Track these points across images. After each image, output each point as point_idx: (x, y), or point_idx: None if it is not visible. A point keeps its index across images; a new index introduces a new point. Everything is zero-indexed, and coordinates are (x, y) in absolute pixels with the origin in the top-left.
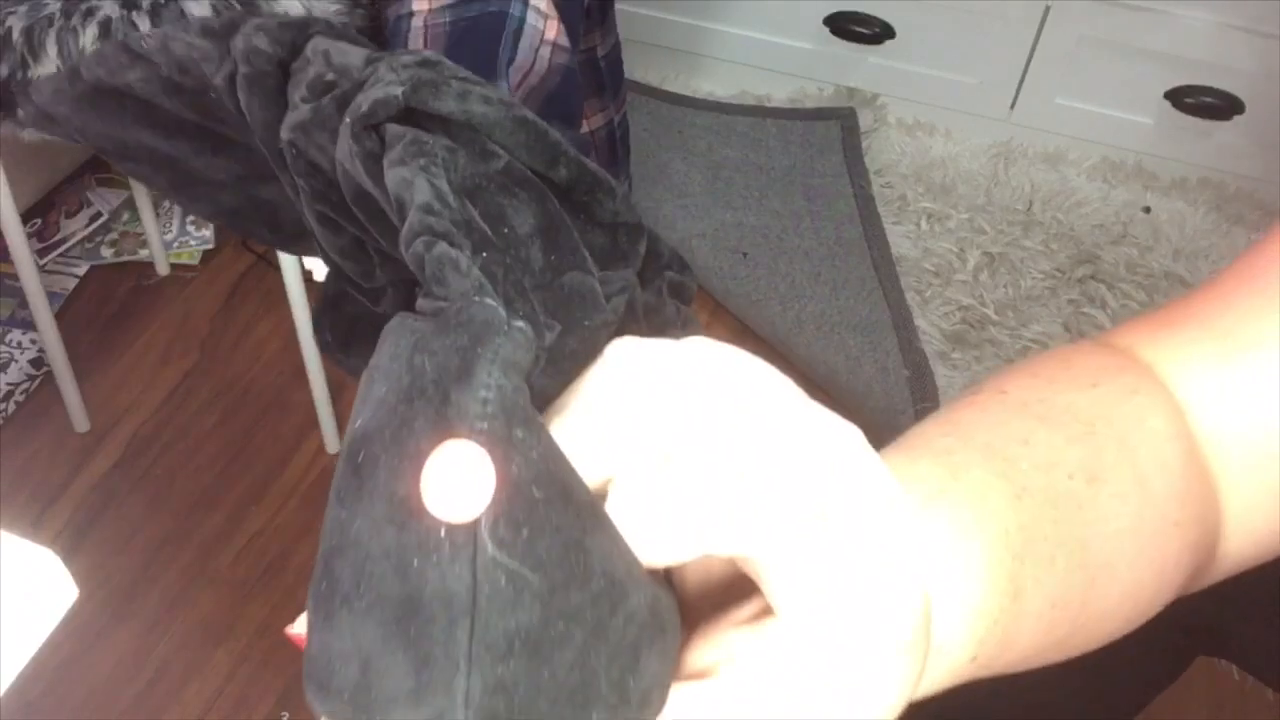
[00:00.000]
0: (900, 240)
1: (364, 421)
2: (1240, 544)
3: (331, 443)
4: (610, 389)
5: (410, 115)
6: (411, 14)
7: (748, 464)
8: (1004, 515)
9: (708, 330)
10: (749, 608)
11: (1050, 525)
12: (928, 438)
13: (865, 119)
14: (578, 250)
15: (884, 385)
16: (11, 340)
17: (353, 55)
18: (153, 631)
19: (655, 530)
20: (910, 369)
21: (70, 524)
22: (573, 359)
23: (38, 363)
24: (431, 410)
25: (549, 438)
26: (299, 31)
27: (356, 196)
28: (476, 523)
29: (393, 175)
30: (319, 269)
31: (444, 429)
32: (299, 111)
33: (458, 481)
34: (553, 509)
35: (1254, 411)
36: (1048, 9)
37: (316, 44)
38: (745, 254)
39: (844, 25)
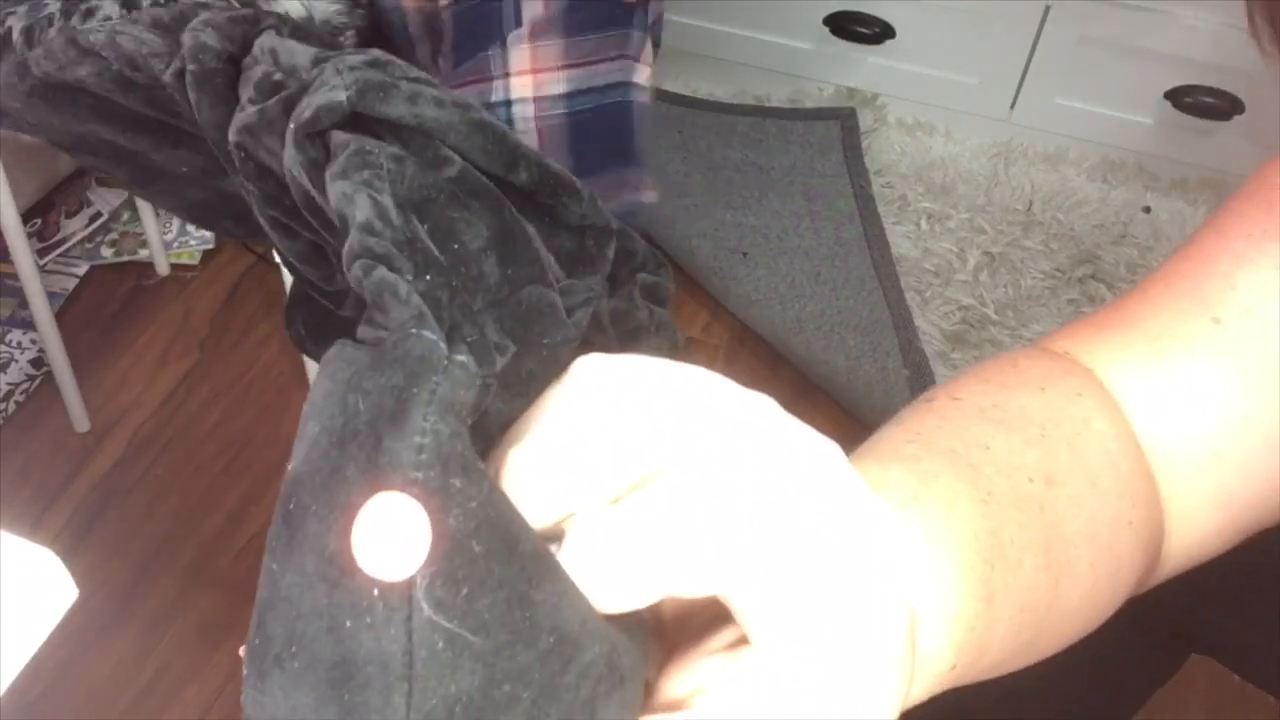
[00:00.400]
0: (900, 240)
1: (295, 465)
2: (1183, 543)
3: None
4: (571, 415)
5: (360, 119)
6: (510, 102)
7: (716, 499)
8: (974, 521)
9: (707, 330)
10: (725, 634)
11: (1016, 529)
12: (893, 444)
13: (865, 119)
14: (537, 261)
15: (884, 385)
16: (11, 340)
17: (300, 55)
18: (153, 631)
19: (612, 579)
20: (910, 369)
21: (70, 524)
22: (531, 380)
23: (38, 363)
24: (364, 457)
25: (490, 485)
26: (250, 26)
27: (307, 203)
28: (411, 581)
29: (334, 189)
30: None
31: (376, 478)
32: (246, 114)
33: (390, 537)
34: (495, 563)
35: (1189, 414)
36: (1048, 9)
37: (264, 41)
38: (745, 254)
39: (844, 25)
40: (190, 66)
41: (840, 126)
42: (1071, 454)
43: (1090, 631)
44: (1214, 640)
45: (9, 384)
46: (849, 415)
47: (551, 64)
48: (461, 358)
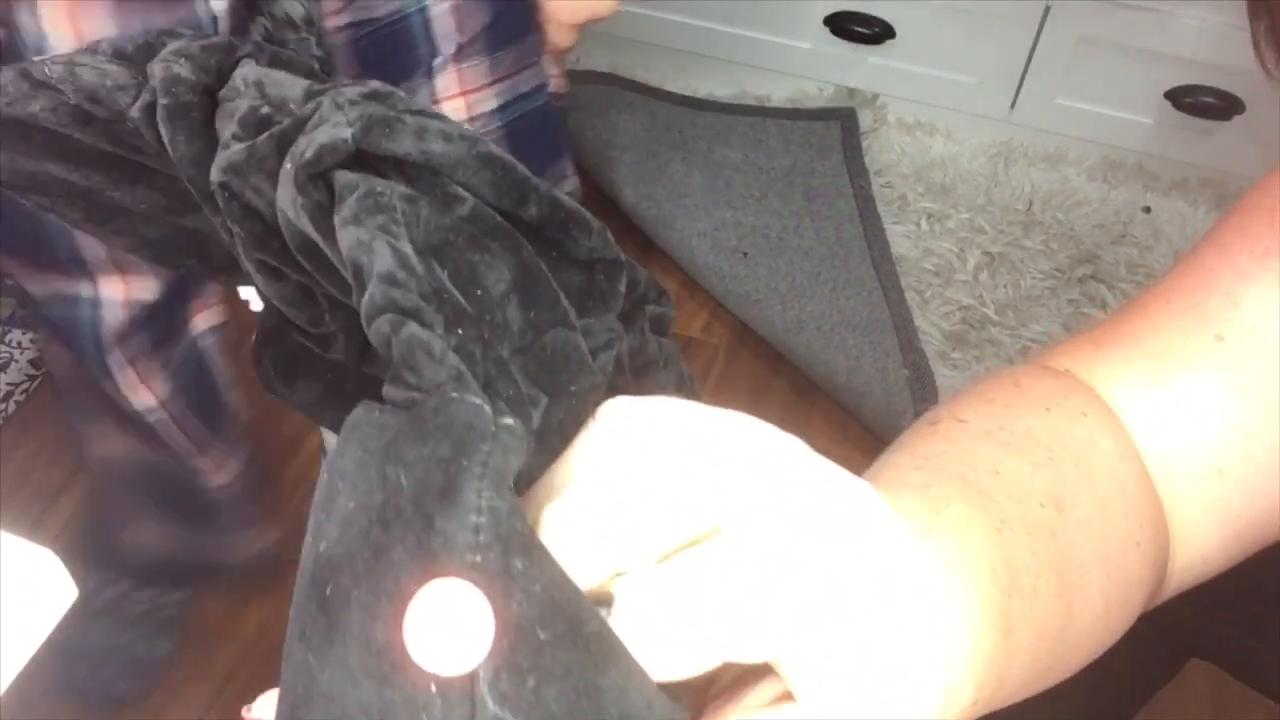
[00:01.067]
0: (900, 240)
1: (331, 545)
2: (1188, 560)
3: (331, 442)
4: (609, 468)
5: (361, 154)
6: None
7: (773, 563)
8: (989, 550)
9: (707, 330)
10: (765, 690)
11: (1029, 556)
12: (900, 471)
13: (865, 119)
14: (558, 303)
15: (884, 385)
16: (11, 340)
17: (289, 87)
18: None
19: (672, 646)
20: (910, 369)
21: (70, 524)
22: (560, 432)
23: (38, 363)
24: (413, 539)
25: (551, 563)
26: (225, 55)
27: (301, 245)
28: (473, 675)
29: (347, 236)
30: (256, 298)
31: (429, 563)
32: (231, 151)
33: (449, 628)
34: (560, 649)
35: (1191, 432)
36: (1048, 9)
37: (247, 72)
38: (745, 254)
39: (844, 25)
40: (163, 100)
41: (840, 126)
42: (1080, 476)
43: (1103, 652)
44: (1213, 645)
45: (9, 384)
46: (849, 415)
47: (480, 83)
48: (508, 421)
